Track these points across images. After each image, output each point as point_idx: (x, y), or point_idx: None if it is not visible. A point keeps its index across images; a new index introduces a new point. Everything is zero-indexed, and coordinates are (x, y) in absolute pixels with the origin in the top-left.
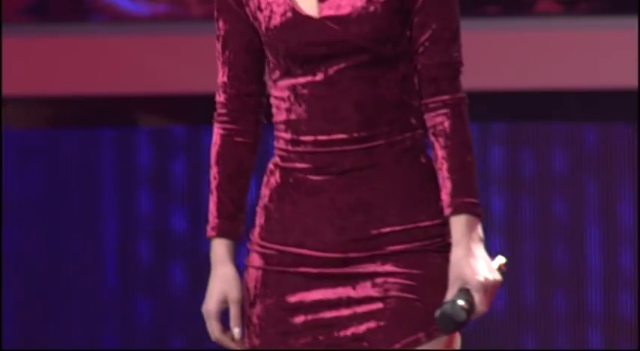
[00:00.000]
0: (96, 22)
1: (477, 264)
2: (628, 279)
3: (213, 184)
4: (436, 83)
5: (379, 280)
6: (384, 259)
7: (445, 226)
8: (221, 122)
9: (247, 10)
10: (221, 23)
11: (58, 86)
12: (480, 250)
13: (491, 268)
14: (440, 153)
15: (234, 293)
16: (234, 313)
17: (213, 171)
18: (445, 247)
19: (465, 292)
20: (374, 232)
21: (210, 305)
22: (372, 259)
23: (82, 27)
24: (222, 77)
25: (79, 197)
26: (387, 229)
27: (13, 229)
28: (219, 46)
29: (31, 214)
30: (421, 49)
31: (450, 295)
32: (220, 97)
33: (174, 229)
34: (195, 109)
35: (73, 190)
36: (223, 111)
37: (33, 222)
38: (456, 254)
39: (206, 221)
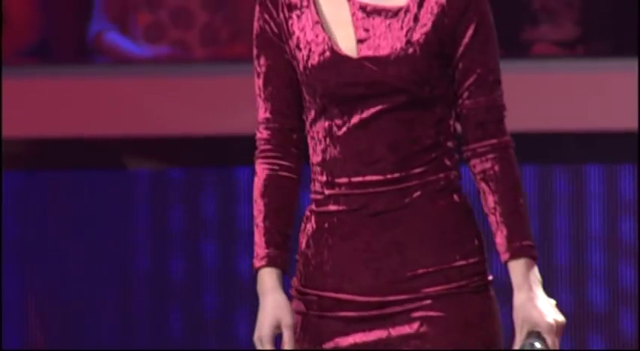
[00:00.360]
0: (98, 64)
1: (543, 306)
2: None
3: (259, 217)
4: (483, 127)
5: (415, 325)
6: (421, 302)
7: (482, 264)
8: (265, 158)
9: (287, 47)
10: (262, 60)
11: (59, 128)
12: (541, 292)
13: (556, 310)
14: (491, 198)
15: (287, 318)
16: (287, 337)
17: (259, 205)
18: (484, 286)
19: (536, 335)
20: (409, 273)
21: (264, 331)
22: (409, 302)
23: (83, 69)
24: (263, 113)
25: (80, 240)
26: (422, 271)
27: (12, 271)
28: (260, 82)
29: (30, 256)
30: (466, 94)
31: (519, 338)
32: (262, 134)
33: (174, 271)
34: (197, 152)
35: (73, 233)
36: (267, 147)
37: (32, 265)
38: (519, 298)
39: (252, 256)
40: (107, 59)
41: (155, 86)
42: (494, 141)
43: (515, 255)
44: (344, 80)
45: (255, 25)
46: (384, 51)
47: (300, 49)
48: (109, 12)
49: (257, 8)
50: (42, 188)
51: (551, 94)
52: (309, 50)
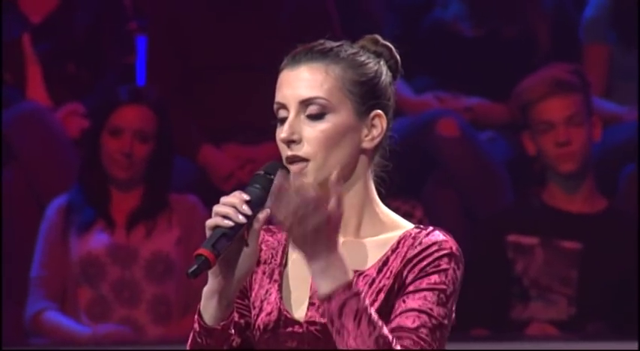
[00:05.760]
0: (36, 345)
1: None
2: None
3: None
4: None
5: None
6: None
7: None
8: None
9: (247, 301)
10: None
11: None
12: None
13: None
14: None
15: None
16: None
17: None
18: None
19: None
20: None
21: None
22: None
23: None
24: None
25: None
26: None
27: None
28: None
29: None
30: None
31: None
32: None
33: None
34: None
35: None
36: None
37: None
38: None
39: None
40: (47, 340)
41: None
42: None
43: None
44: (287, 344)
45: None
46: None
47: (254, 307)
48: (47, 288)
49: None
50: None
51: None
52: (260, 309)
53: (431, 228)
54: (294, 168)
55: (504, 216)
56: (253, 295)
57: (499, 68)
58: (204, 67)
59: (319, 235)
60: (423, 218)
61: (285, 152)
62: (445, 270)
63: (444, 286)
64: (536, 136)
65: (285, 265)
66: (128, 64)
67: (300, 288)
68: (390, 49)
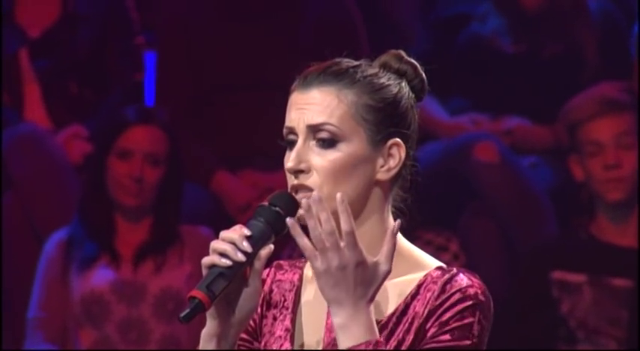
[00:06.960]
0: None
1: None
2: None
3: None
4: None
5: None
6: None
7: None
8: None
9: (257, 344)
10: None
11: None
12: None
13: None
14: None
15: None
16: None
17: None
18: None
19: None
20: None
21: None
22: None
23: None
24: None
25: None
26: None
27: None
28: None
29: None
30: None
31: None
32: None
33: None
34: None
35: None
36: None
37: None
38: None
39: None
40: None
41: None
42: None
43: None
44: None
45: None
46: None
47: None
48: (46, 330)
49: None
50: None
51: None
52: None
53: (454, 270)
54: (298, 197)
55: (548, 250)
56: (263, 343)
57: (542, 87)
58: (219, 86)
59: (345, 277)
60: (459, 252)
61: (292, 181)
62: (469, 324)
63: (467, 342)
64: (583, 159)
65: (298, 309)
66: (135, 83)
67: (313, 336)
68: (415, 68)
